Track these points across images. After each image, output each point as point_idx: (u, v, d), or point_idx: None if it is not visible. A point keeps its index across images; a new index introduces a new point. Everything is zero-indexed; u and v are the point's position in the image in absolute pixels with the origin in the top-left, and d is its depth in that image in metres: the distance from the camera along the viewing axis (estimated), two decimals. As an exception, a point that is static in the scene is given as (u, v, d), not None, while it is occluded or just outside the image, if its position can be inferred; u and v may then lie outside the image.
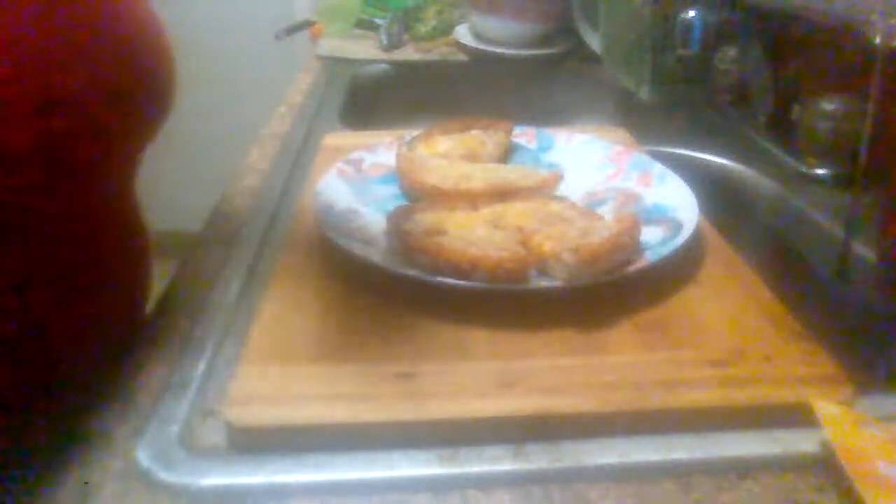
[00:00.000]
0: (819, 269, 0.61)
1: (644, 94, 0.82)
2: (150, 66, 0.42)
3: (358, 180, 0.61)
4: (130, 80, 0.40)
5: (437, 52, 1.17)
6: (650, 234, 0.51)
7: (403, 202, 0.58)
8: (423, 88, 1.11)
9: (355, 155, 0.64)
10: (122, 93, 0.40)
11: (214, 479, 0.35)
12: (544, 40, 1.13)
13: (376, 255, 0.49)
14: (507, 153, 0.69)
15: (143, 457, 0.36)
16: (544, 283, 0.47)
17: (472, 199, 0.56)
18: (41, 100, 0.34)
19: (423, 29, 1.22)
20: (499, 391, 0.39)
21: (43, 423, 0.39)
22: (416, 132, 0.69)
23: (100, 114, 0.38)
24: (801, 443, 0.37)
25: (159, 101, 0.44)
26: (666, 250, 0.49)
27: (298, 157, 0.74)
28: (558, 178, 0.60)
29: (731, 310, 0.46)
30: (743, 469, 0.36)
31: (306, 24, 1.28)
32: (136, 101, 0.41)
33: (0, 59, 0.33)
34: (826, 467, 0.35)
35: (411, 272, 0.47)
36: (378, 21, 1.25)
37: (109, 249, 0.44)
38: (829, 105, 0.61)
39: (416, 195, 0.59)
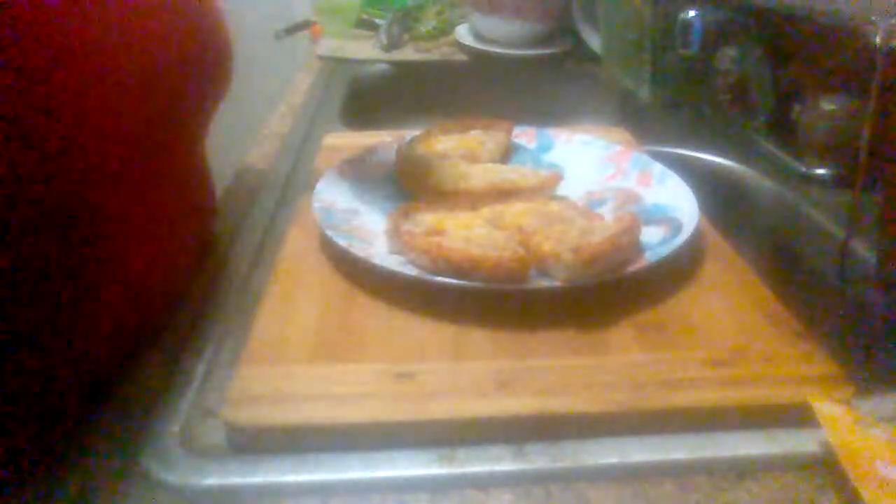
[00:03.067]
0: (819, 269, 0.61)
1: (644, 94, 0.82)
2: (213, 37, 0.49)
3: (358, 180, 0.61)
4: (198, 48, 0.47)
5: (437, 52, 1.17)
6: (650, 234, 0.51)
7: (403, 202, 0.58)
8: (423, 88, 1.11)
9: (355, 155, 0.64)
10: (191, 59, 0.46)
11: (214, 479, 0.35)
12: (544, 40, 1.13)
13: (376, 255, 0.49)
14: (507, 153, 0.69)
15: (143, 457, 0.36)
16: (544, 283, 0.47)
17: (472, 199, 0.56)
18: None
19: (423, 29, 1.22)
20: (499, 391, 0.39)
21: (43, 424, 0.39)
22: (416, 132, 0.69)
23: (174, 79, 0.43)
24: (801, 443, 0.37)
25: (222, 67, 0.51)
26: (666, 250, 0.49)
27: (298, 157, 0.74)
28: (558, 178, 0.60)
29: (731, 310, 0.46)
30: (743, 469, 0.36)
31: (306, 24, 1.28)
32: (203, 67, 0.48)
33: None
34: (826, 467, 0.35)
35: (411, 272, 0.47)
36: (378, 21, 1.25)
37: (179, 204, 0.48)
38: (829, 105, 0.61)
39: (416, 195, 0.59)
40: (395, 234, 0.50)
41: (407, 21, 1.23)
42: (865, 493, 0.32)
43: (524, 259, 0.46)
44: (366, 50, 1.17)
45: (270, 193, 0.65)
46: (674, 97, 0.82)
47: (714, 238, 0.55)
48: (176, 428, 0.38)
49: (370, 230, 0.54)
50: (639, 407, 0.38)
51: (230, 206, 0.63)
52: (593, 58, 1.02)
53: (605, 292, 0.46)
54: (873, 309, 0.52)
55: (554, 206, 0.55)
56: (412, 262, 0.48)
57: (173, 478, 0.35)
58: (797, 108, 0.66)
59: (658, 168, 0.61)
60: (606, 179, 0.63)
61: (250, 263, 0.54)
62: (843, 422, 0.36)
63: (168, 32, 0.43)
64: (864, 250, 0.55)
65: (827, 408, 0.37)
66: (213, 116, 0.52)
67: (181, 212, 0.48)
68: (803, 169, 0.65)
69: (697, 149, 0.78)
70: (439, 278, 0.46)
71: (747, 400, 0.38)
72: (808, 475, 0.35)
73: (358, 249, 0.49)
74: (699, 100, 0.81)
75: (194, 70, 0.46)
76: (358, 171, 0.63)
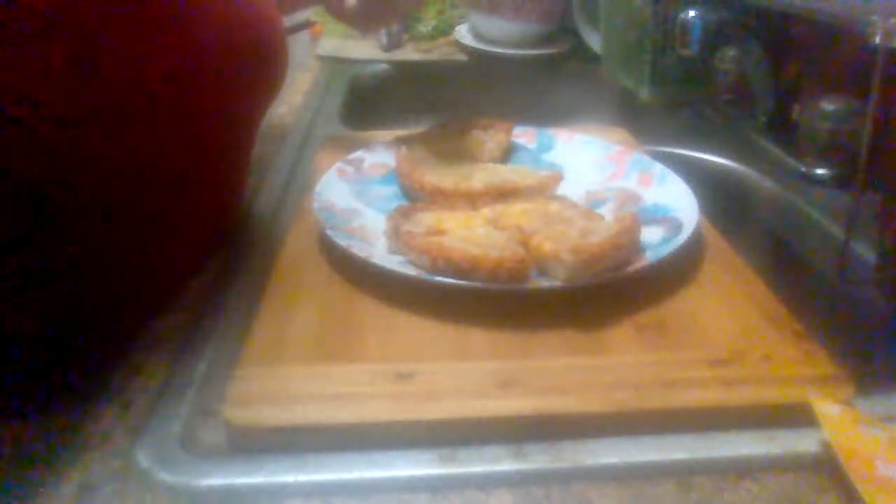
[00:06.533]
0: (819, 269, 0.61)
1: (644, 94, 0.82)
2: (269, 33, 0.54)
3: (358, 180, 0.61)
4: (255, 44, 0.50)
5: (437, 52, 1.17)
6: (650, 234, 0.51)
7: (403, 202, 0.58)
8: (423, 88, 1.11)
9: (355, 155, 0.64)
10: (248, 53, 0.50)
11: (214, 479, 0.35)
12: (544, 40, 1.13)
13: (376, 255, 0.49)
14: (507, 153, 0.69)
15: (143, 457, 0.36)
16: (544, 283, 0.47)
17: (472, 199, 0.56)
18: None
19: (423, 29, 1.22)
20: (499, 391, 0.39)
21: (42, 423, 0.39)
22: (416, 132, 0.69)
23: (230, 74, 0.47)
24: (801, 443, 0.37)
25: (278, 61, 0.56)
26: (666, 250, 0.49)
27: (298, 156, 0.74)
28: (558, 178, 0.60)
29: (731, 310, 0.46)
30: (743, 469, 0.36)
31: (306, 24, 1.28)
32: (260, 59, 0.52)
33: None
34: (826, 467, 0.35)
35: (411, 272, 0.47)
36: (378, 21, 1.25)
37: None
38: (829, 105, 0.61)
39: (416, 195, 0.59)
40: (395, 234, 0.50)
41: (407, 21, 1.23)
42: (865, 494, 0.32)
43: (524, 259, 0.46)
44: (366, 50, 1.17)
45: (270, 193, 0.65)
46: (674, 97, 0.82)
47: (714, 238, 0.55)
48: (176, 428, 0.38)
49: (370, 230, 0.54)
50: (639, 407, 0.38)
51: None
52: (593, 58, 1.02)
53: (605, 292, 0.46)
54: (873, 309, 0.52)
55: (554, 206, 0.55)
56: (412, 262, 0.48)
57: (173, 478, 0.35)
58: (797, 108, 0.66)
59: (658, 168, 0.61)
60: (606, 179, 0.63)
61: (250, 263, 0.54)
62: (843, 422, 0.36)
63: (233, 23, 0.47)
64: (864, 250, 0.55)
65: (827, 408, 0.37)
66: (261, 121, 0.56)
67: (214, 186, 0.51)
68: (803, 169, 0.65)
69: (697, 149, 0.78)
70: (439, 278, 0.46)
71: (747, 400, 0.38)
72: (808, 475, 0.35)
73: (358, 249, 0.49)
74: (699, 100, 0.81)
75: (253, 60, 0.50)
76: (358, 171, 0.63)
